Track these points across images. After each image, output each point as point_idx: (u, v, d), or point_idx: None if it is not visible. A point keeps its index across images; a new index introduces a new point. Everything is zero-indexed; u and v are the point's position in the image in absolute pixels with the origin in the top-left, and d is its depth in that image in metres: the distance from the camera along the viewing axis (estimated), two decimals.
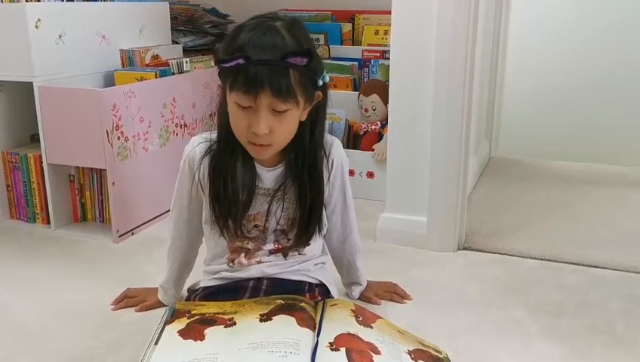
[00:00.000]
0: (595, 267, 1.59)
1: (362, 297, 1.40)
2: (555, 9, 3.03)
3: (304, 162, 1.15)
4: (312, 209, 1.17)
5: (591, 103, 3.02)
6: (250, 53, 1.00)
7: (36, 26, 1.70)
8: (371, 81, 2.22)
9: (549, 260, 1.63)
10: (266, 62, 1.00)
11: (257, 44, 1.01)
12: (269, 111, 1.04)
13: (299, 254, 1.24)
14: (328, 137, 1.22)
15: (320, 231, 1.22)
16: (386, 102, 1.96)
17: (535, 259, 1.64)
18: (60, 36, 1.79)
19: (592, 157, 2.63)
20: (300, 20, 1.10)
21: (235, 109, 1.07)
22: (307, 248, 1.24)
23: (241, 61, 1.00)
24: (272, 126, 1.05)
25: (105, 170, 1.74)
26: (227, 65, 1.02)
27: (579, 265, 1.60)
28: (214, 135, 1.17)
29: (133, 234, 1.83)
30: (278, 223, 1.19)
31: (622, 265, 1.59)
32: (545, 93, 3.10)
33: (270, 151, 1.11)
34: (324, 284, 1.26)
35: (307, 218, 1.18)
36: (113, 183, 1.74)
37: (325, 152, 1.19)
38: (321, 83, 1.10)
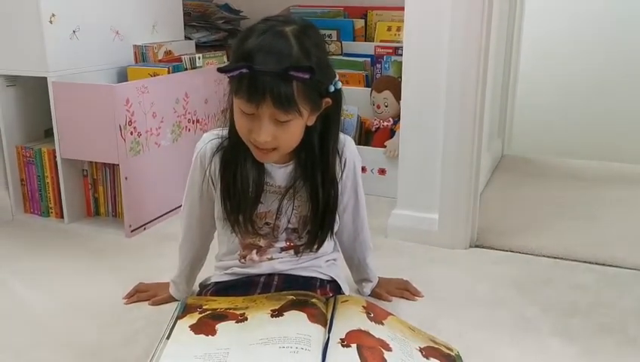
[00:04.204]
0: (609, 266, 1.58)
1: (373, 294, 1.39)
2: (570, 6, 3.01)
3: (314, 164, 1.15)
4: (325, 211, 1.17)
5: (604, 101, 3.00)
6: (254, 61, 0.99)
7: (50, 21, 1.71)
8: (384, 78, 2.21)
9: (562, 258, 1.62)
10: (269, 72, 0.98)
11: (263, 52, 0.99)
12: (271, 120, 1.03)
13: (310, 251, 1.24)
14: (341, 136, 1.20)
15: (332, 231, 1.22)
16: (398, 98, 1.95)
17: (548, 257, 1.63)
18: (74, 31, 1.80)
19: (605, 155, 2.60)
20: (313, 26, 1.08)
21: (239, 113, 1.06)
22: None
23: (244, 70, 0.99)
24: (274, 134, 1.04)
25: (118, 164, 1.75)
26: (230, 74, 1.01)
27: (592, 263, 1.59)
28: (225, 131, 1.17)
29: (145, 229, 1.84)
30: (289, 222, 1.19)
31: (636, 264, 1.57)
32: (558, 91, 3.08)
33: (274, 156, 1.10)
34: (335, 280, 1.26)
35: (320, 220, 1.17)
36: (126, 178, 1.75)
37: (338, 152, 1.18)
38: (332, 89, 1.08)
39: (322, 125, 1.13)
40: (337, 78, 1.10)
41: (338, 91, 1.11)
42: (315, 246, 1.21)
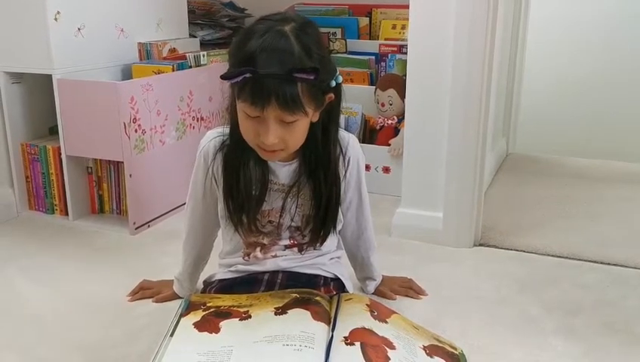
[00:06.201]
0: (614, 265, 1.57)
1: (377, 292, 1.39)
2: (575, 3, 2.99)
3: (317, 160, 1.14)
4: (328, 207, 1.17)
5: (610, 100, 2.99)
6: (257, 65, 0.98)
7: (55, 19, 1.72)
8: (388, 76, 2.21)
9: (566, 258, 1.62)
10: (273, 75, 0.97)
11: (265, 55, 0.98)
12: (277, 122, 1.02)
13: (314, 249, 1.23)
14: (345, 134, 1.21)
15: (335, 228, 1.22)
16: (402, 96, 1.95)
17: (552, 256, 1.63)
18: (78, 29, 1.80)
19: (610, 155, 2.60)
20: (311, 22, 1.07)
21: (243, 117, 1.05)
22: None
23: (247, 75, 0.98)
24: (281, 135, 1.04)
25: (122, 162, 1.75)
26: (233, 80, 0.99)
27: (597, 263, 1.59)
28: (229, 129, 1.17)
29: (149, 226, 1.84)
30: (292, 220, 1.19)
31: None
32: (563, 90, 3.07)
33: (281, 155, 1.10)
34: (339, 278, 1.26)
35: (323, 216, 1.17)
36: (130, 176, 1.75)
37: (342, 150, 1.18)
38: (334, 84, 1.08)
39: (324, 119, 1.13)
40: (338, 72, 1.10)
41: (338, 85, 1.10)
42: (318, 244, 1.20)
